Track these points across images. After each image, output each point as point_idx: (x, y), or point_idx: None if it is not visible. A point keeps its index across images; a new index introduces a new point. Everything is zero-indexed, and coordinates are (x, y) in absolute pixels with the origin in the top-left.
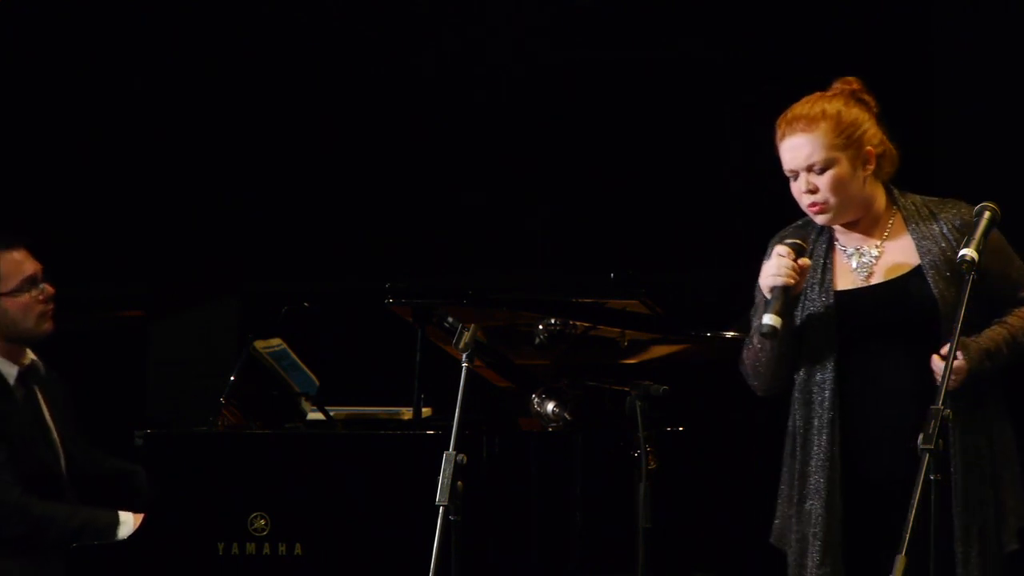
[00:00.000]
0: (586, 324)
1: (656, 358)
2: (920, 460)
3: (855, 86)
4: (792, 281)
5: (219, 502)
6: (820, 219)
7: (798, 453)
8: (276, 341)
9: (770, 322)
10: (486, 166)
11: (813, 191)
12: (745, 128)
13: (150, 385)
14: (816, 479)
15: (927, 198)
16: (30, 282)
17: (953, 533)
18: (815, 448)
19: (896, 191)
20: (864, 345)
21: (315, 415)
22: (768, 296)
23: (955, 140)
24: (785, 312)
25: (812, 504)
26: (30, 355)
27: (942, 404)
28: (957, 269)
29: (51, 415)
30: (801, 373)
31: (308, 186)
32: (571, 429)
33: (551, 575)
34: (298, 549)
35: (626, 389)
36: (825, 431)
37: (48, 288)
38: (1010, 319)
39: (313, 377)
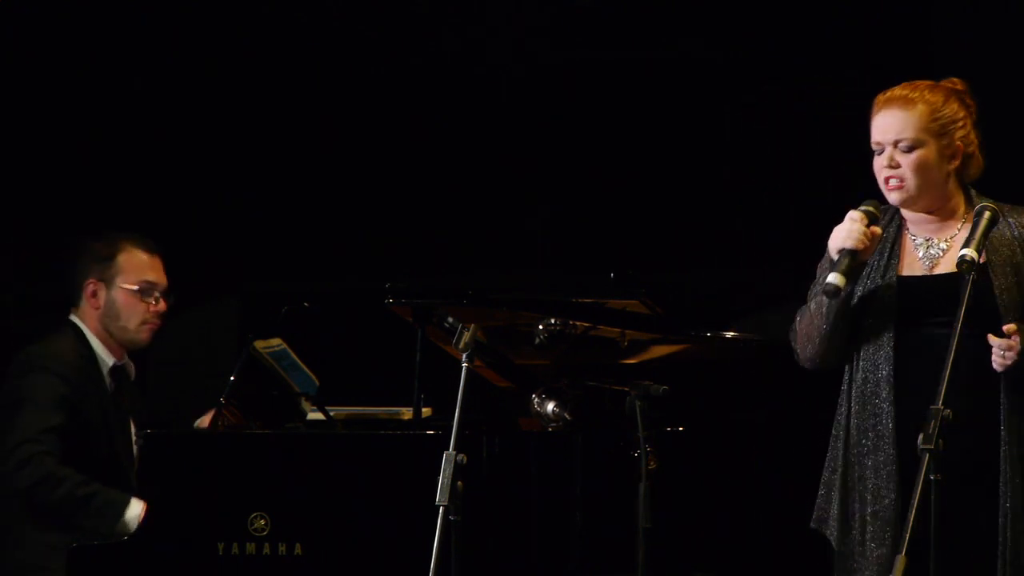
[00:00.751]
0: (586, 324)
1: (656, 358)
2: (920, 460)
3: (960, 87)
4: (861, 246)
5: (219, 502)
6: (894, 196)
7: (853, 434)
8: (276, 341)
9: (834, 280)
10: (486, 166)
11: (895, 167)
12: (745, 128)
13: (150, 385)
14: (875, 459)
15: (1003, 204)
16: (147, 287)
17: (997, 534)
18: (870, 428)
19: (975, 193)
20: (921, 333)
21: (315, 415)
22: (835, 257)
23: None
24: (850, 275)
25: (872, 485)
26: (127, 358)
27: (941, 404)
28: None
29: (132, 418)
30: (859, 354)
31: (308, 186)
32: (571, 429)
33: (551, 575)
34: (298, 549)
35: (626, 389)
36: (883, 412)
37: (163, 304)
38: None
39: (313, 377)
